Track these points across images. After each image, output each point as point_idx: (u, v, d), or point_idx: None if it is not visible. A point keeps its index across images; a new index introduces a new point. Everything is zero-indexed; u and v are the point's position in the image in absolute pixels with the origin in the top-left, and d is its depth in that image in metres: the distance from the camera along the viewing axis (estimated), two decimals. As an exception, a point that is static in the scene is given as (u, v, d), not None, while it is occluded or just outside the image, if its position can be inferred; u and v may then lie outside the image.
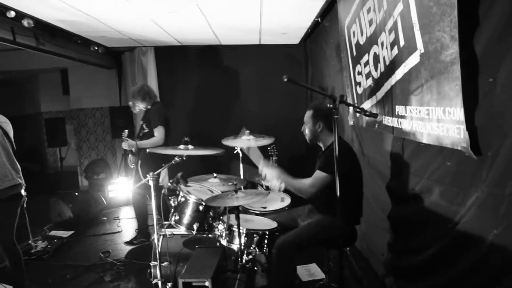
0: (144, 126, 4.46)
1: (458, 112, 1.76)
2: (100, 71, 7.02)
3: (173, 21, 4.63)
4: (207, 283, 2.09)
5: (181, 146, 2.93)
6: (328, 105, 2.27)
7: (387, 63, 2.54)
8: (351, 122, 3.72)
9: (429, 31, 1.93)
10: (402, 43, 2.26)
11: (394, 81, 2.43)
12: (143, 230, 4.60)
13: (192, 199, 2.85)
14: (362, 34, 3.02)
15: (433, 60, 1.93)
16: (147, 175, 3.27)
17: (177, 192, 2.94)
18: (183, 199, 2.89)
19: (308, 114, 2.85)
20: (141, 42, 6.00)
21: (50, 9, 3.88)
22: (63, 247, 4.52)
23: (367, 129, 3.20)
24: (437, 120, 1.94)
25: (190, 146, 2.92)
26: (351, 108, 3.69)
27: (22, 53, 6.64)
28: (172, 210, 2.91)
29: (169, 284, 2.82)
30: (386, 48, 2.52)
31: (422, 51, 2.02)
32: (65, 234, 4.91)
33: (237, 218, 2.59)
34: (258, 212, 3.23)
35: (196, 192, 3.00)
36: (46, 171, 8.29)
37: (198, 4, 3.93)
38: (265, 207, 3.33)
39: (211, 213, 2.90)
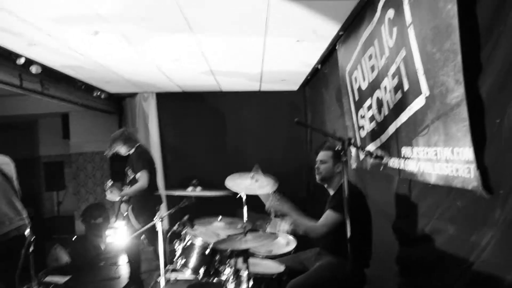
0: (129, 173, 4.38)
1: (467, 152, 1.80)
2: (101, 116, 7.12)
3: (176, 69, 4.78)
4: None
5: (189, 189, 2.93)
6: (337, 148, 2.32)
7: (391, 106, 2.62)
8: (353, 166, 3.77)
9: (433, 75, 2.02)
10: (406, 87, 2.35)
11: (399, 124, 2.50)
12: (136, 277, 4.42)
13: (198, 242, 2.82)
14: (364, 80, 3.13)
15: (438, 102, 2.01)
16: (140, 220, 3.28)
17: (183, 235, 2.91)
18: (189, 243, 2.85)
19: (329, 154, 2.87)
20: (143, 88, 6.14)
21: (60, 56, 4.02)
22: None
23: (371, 172, 3.24)
24: (445, 161, 1.99)
25: (198, 188, 2.92)
26: (353, 151, 3.79)
27: (22, 98, 6.82)
28: (178, 253, 2.86)
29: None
30: (390, 92, 2.62)
31: (427, 94, 2.10)
32: (61, 279, 4.76)
33: (246, 261, 2.55)
34: (263, 256, 3.17)
35: (202, 235, 2.96)
36: (42, 216, 8.13)
37: (203, 52, 4.08)
38: (270, 251, 3.28)
39: (217, 257, 2.85)
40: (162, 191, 3.02)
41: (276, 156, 6.49)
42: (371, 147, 3.12)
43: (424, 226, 2.37)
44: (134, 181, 4.28)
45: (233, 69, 4.94)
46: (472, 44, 1.77)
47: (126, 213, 4.32)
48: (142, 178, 4.12)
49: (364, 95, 3.16)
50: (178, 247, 2.89)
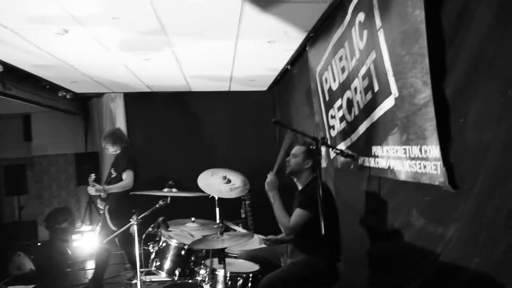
0: (112, 171, 4.35)
1: (434, 150, 1.91)
2: (65, 117, 6.91)
3: (147, 68, 4.72)
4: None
5: (165, 189, 2.92)
6: (311, 146, 2.38)
7: (361, 106, 2.72)
8: (324, 164, 3.86)
9: (402, 77, 2.13)
10: (376, 88, 2.45)
11: (370, 123, 2.60)
12: (98, 280, 4.26)
13: (174, 243, 2.81)
14: (334, 81, 3.23)
15: (407, 103, 2.11)
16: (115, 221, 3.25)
17: (158, 237, 2.89)
18: (164, 244, 2.84)
19: (301, 149, 2.92)
20: (111, 88, 6.01)
21: (27, 55, 3.88)
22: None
23: (342, 170, 3.34)
24: (414, 158, 2.09)
25: (174, 189, 2.91)
26: (323, 150, 3.88)
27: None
28: (153, 255, 2.84)
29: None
30: (360, 93, 2.72)
31: (397, 95, 2.20)
32: (25, 289, 4.58)
33: (222, 261, 2.56)
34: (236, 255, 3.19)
35: (177, 236, 2.95)
36: (1, 222, 7.78)
37: (175, 53, 4.07)
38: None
39: (192, 258, 2.85)
40: (137, 192, 2.96)
41: (246, 155, 6.53)
42: (342, 146, 3.22)
43: (394, 221, 2.48)
44: (114, 180, 4.23)
45: (204, 71, 4.94)
46: (438, 48, 1.88)
47: (103, 211, 4.22)
48: (128, 176, 4.14)
49: (335, 95, 3.26)
50: (153, 249, 2.86)
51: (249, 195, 4.88)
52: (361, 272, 2.99)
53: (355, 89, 2.81)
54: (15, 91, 4.92)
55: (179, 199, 3.39)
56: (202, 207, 4.99)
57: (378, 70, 2.40)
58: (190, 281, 2.92)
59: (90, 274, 4.44)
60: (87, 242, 5.99)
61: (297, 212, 2.71)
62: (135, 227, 2.53)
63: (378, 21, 2.34)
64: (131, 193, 3.95)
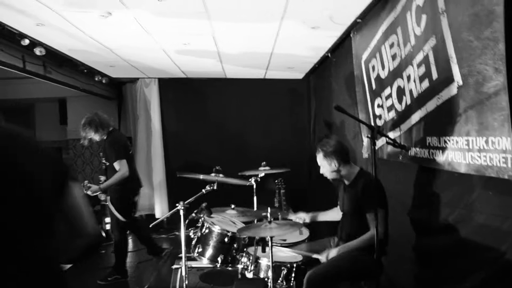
0: (103, 160, 4.24)
1: (504, 142, 1.79)
2: (100, 102, 6.97)
3: (185, 54, 4.69)
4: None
5: (212, 175, 2.89)
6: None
7: (416, 95, 2.60)
8: (365, 155, 3.76)
9: (469, 64, 1.99)
10: (435, 76, 2.32)
11: (425, 113, 2.48)
12: (120, 266, 4.33)
13: (217, 230, 2.79)
14: (384, 68, 3.10)
15: (473, 91, 1.98)
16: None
17: (200, 223, 2.87)
18: (207, 230, 2.82)
19: (319, 156, 2.84)
20: (146, 73, 6.04)
21: (68, 38, 3.90)
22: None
23: (388, 162, 3.22)
24: (478, 150, 1.97)
25: (220, 175, 2.88)
26: (365, 140, 3.77)
27: (18, 81, 6.65)
28: (195, 241, 2.83)
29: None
30: (414, 81, 2.59)
31: (461, 83, 2.07)
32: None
33: (268, 249, 2.52)
34: (281, 245, 3.15)
35: (220, 223, 2.93)
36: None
37: (215, 38, 4.01)
38: (284, 240, 3.27)
39: (235, 245, 2.82)
40: (186, 173, 2.86)
41: (279, 144, 6.48)
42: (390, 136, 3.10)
43: (448, 216, 2.37)
44: (109, 170, 4.17)
45: (243, 57, 4.86)
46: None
47: (105, 202, 4.24)
48: (121, 167, 4.02)
49: (383, 84, 3.13)
50: (195, 235, 2.85)
51: (283, 184, 4.83)
52: (404, 266, 2.90)
53: (408, 77, 2.69)
54: (55, 74, 5.00)
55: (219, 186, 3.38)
56: (238, 195, 4.99)
57: (438, 57, 2.27)
58: (228, 268, 2.91)
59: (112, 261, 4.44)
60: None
61: (372, 217, 2.59)
62: (181, 212, 2.50)
63: (441, 4, 2.20)
64: (131, 181, 4.04)
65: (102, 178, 4.15)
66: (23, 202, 1.09)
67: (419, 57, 2.50)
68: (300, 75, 6.26)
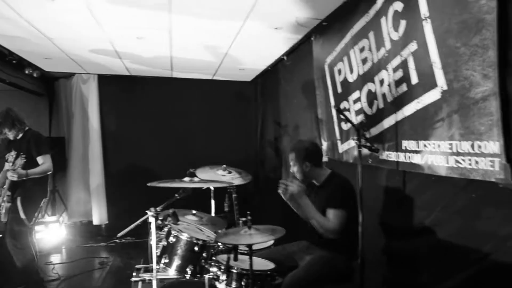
0: (22, 156, 3.69)
1: (492, 146, 1.85)
2: (28, 98, 6.27)
3: (136, 48, 4.38)
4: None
5: (186, 179, 2.66)
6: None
7: (390, 99, 2.63)
8: (325, 158, 3.76)
9: (455, 69, 2.04)
10: (414, 80, 2.36)
11: (401, 117, 2.51)
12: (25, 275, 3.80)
13: (186, 238, 2.57)
14: (352, 72, 3.12)
15: (458, 96, 2.03)
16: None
17: (165, 230, 2.64)
18: (174, 239, 2.59)
19: (291, 156, 2.80)
20: (86, 68, 5.55)
21: (2, 22, 3.41)
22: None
23: (353, 165, 3.24)
24: (462, 154, 2.02)
25: (195, 179, 2.66)
26: (325, 144, 3.78)
27: None
28: (160, 251, 2.59)
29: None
30: (389, 85, 2.62)
31: (445, 88, 2.12)
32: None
33: (243, 257, 2.37)
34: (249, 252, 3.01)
35: (187, 230, 2.71)
36: None
37: (171, 32, 3.77)
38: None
39: (204, 254, 2.63)
40: (155, 183, 2.57)
41: (225, 146, 6.32)
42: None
43: (424, 219, 2.41)
44: (25, 166, 3.65)
45: (197, 54, 4.65)
46: (503, 40, 1.81)
47: (6, 202, 3.67)
48: (47, 161, 3.79)
49: (351, 87, 3.15)
50: (160, 244, 2.61)
51: (234, 187, 4.69)
52: (378, 270, 2.91)
53: (382, 81, 2.71)
54: (-22, 64, 4.39)
55: (171, 190, 3.13)
56: (195, 200, 4.72)
57: (419, 62, 2.31)
58: (194, 279, 2.70)
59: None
60: (50, 232, 5.52)
61: (337, 213, 2.56)
62: (152, 220, 2.25)
63: (424, 11, 2.24)
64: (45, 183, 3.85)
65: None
66: None
67: (396, 61, 2.53)
68: (249, 78, 6.18)
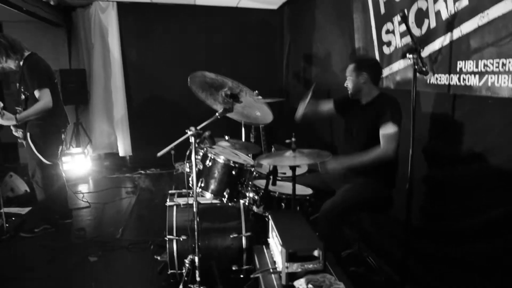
0: (23, 89, 3.50)
1: None
2: (45, 29, 6.08)
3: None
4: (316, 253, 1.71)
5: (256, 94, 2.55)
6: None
7: (445, 17, 2.39)
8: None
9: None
10: (479, -9, 2.11)
11: (457, 36, 2.30)
12: (50, 215, 3.83)
13: (223, 161, 2.51)
14: (400, -11, 2.84)
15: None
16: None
17: (201, 154, 2.57)
18: (211, 162, 2.53)
19: (351, 67, 2.70)
20: (104, -6, 5.28)
21: None
22: (24, 226, 3.86)
23: (394, 91, 3.06)
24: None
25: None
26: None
27: None
28: (196, 174, 2.53)
29: (187, 260, 2.44)
30: (445, 1, 2.37)
31: (519, -3, 1.89)
32: (21, 211, 4.22)
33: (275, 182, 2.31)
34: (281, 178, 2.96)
35: (224, 154, 2.64)
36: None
37: None
38: (284, 173, 3.09)
39: (241, 179, 2.58)
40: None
41: (250, 78, 6.12)
42: (400, 64, 2.93)
43: (474, 145, 2.28)
44: (29, 101, 3.49)
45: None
46: None
47: (22, 141, 3.60)
48: (44, 96, 3.41)
49: (397, 6, 2.89)
50: (196, 167, 2.54)
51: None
52: (419, 199, 2.84)
53: (435, -4, 2.46)
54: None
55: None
56: (224, 126, 4.60)
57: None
58: (229, 203, 2.66)
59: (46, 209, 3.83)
60: (77, 163, 5.60)
61: (390, 130, 2.44)
62: (192, 139, 2.16)
63: None
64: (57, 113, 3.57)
65: (19, 109, 3.50)
66: None
67: (456, -28, 2.27)
68: (275, 6, 5.83)
